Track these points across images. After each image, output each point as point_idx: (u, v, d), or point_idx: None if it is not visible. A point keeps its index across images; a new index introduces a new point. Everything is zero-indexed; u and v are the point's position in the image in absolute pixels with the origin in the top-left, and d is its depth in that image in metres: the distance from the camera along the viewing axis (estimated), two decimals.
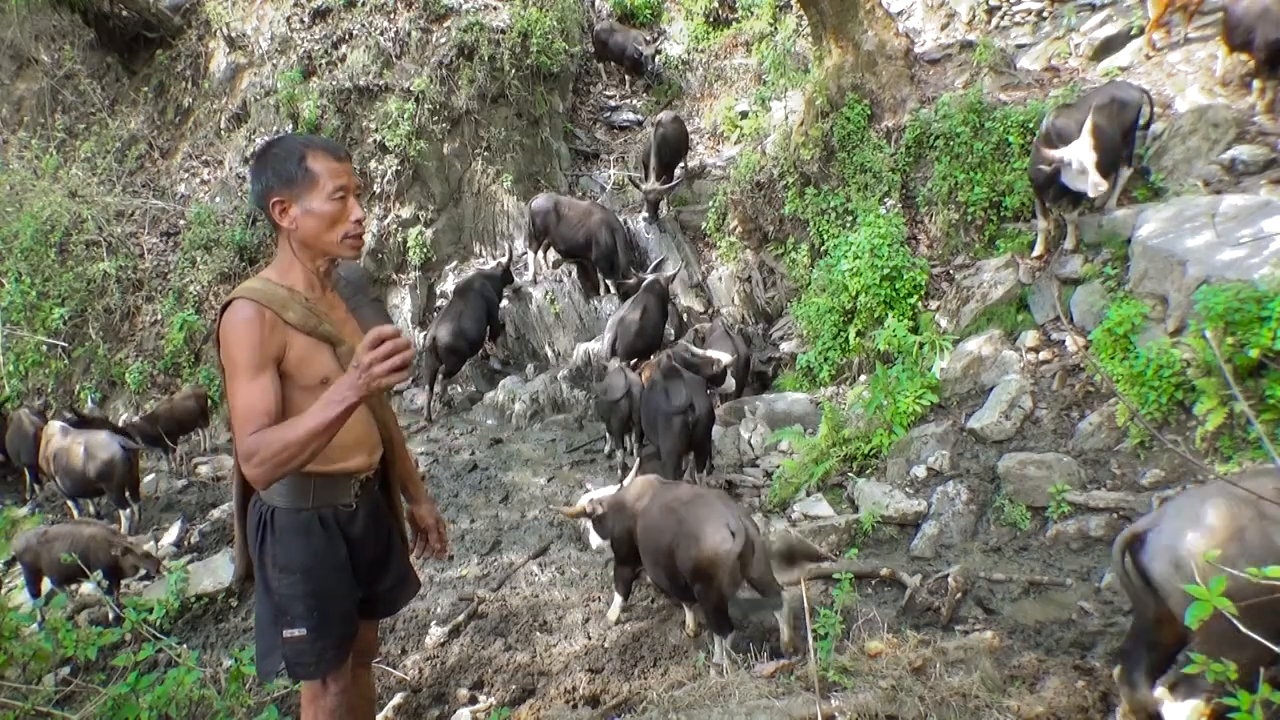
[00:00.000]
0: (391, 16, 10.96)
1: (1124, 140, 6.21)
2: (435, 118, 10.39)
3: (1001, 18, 9.83)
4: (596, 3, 13.84)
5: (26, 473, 8.74)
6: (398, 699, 4.20)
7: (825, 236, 8.11)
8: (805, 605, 3.20)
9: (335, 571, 2.44)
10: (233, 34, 11.80)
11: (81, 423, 8.04)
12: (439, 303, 10.30)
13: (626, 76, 13.07)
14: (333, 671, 2.48)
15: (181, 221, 10.98)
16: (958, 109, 7.33)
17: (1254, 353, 4.50)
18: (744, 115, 11.13)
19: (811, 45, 9.08)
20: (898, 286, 7.13)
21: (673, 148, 10.17)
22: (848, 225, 7.93)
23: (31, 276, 10.43)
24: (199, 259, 10.44)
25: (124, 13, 11.94)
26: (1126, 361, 5.27)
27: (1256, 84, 6.60)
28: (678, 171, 10.45)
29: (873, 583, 4.86)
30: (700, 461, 6.40)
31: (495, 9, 10.94)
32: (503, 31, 10.61)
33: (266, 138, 10.71)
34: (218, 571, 6.17)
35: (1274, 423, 4.51)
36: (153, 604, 5.43)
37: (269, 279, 2.28)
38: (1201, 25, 7.61)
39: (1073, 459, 5.25)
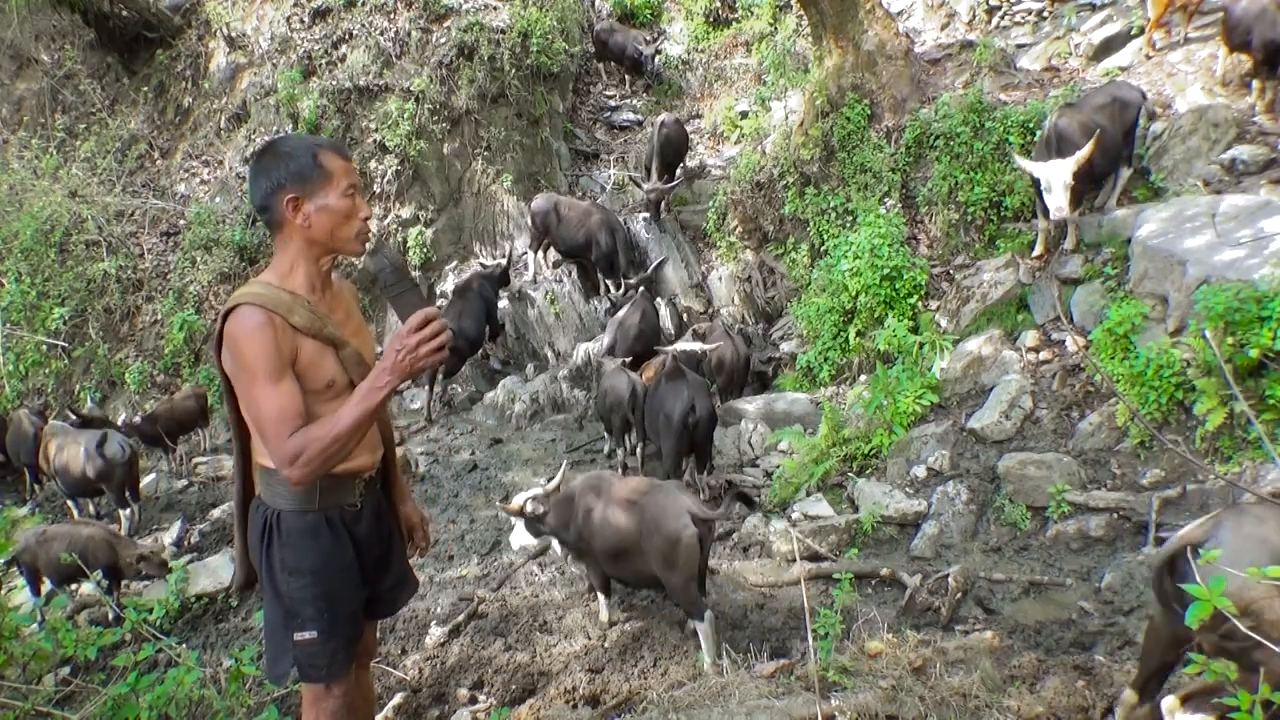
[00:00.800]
0: (391, 16, 10.96)
1: (1124, 140, 6.23)
2: (435, 118, 10.39)
3: (1001, 18, 9.84)
4: (596, 3, 13.84)
5: (26, 473, 8.74)
6: (398, 699, 4.19)
7: (825, 236, 8.12)
8: (805, 605, 3.20)
9: (343, 572, 2.43)
10: (233, 34, 11.80)
11: (85, 424, 8.04)
12: (439, 303, 10.30)
13: (626, 76, 13.06)
14: (342, 672, 2.48)
15: (181, 221, 10.98)
16: (958, 109, 7.33)
17: (1254, 353, 4.50)
18: (744, 115, 11.13)
19: (811, 45, 9.09)
20: (898, 286, 7.13)
21: (675, 148, 10.19)
22: (848, 225, 7.93)
23: (31, 276, 10.42)
24: (199, 259, 10.44)
25: (124, 13, 11.93)
26: (1126, 361, 5.27)
27: (1256, 84, 6.61)
28: (678, 172, 10.46)
29: (873, 583, 4.86)
30: (701, 462, 6.40)
31: (495, 9, 10.94)
32: (503, 31, 10.61)
33: (266, 138, 10.72)
34: (217, 572, 6.17)
35: (1274, 423, 4.52)
36: (153, 604, 5.43)
37: (269, 283, 2.25)
38: (1201, 25, 7.62)
39: (1073, 459, 5.26)
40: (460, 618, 4.99)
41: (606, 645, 4.43)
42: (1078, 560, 4.75)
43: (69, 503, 7.95)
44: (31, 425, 8.37)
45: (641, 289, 8.62)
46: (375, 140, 10.43)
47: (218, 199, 11.10)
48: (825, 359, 7.65)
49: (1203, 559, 2.15)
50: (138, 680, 3.24)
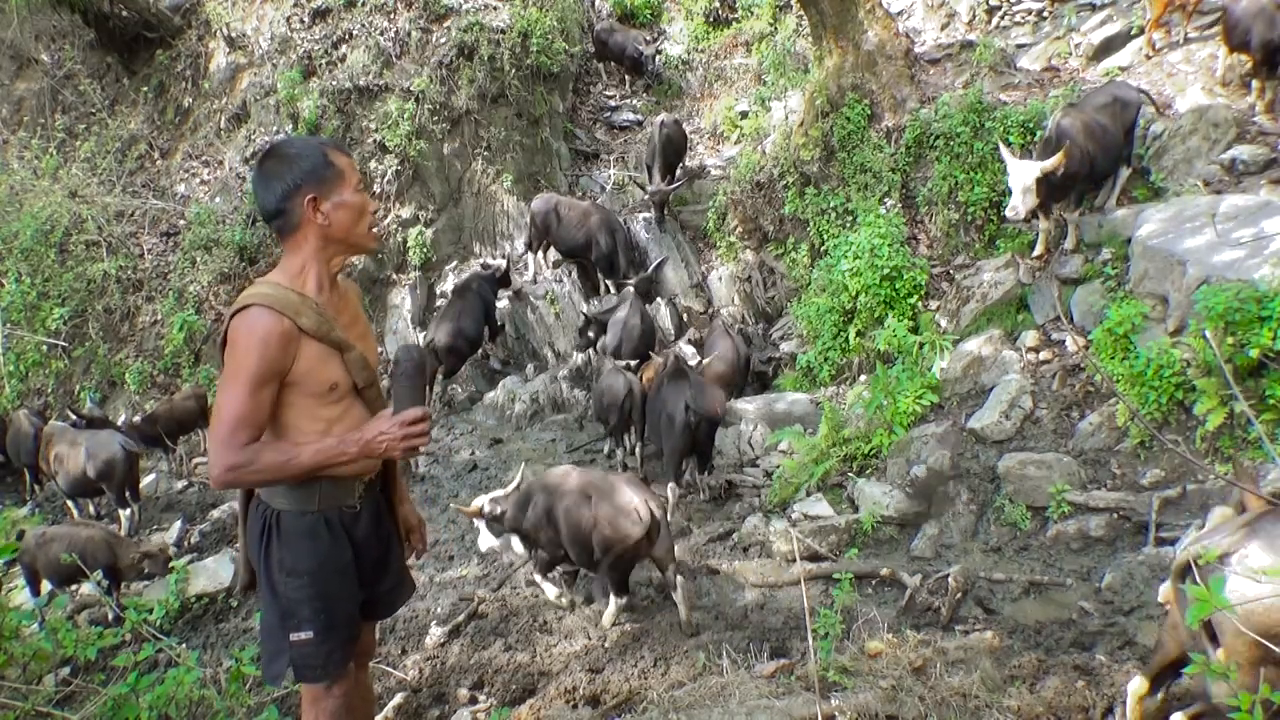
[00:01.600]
0: (391, 16, 10.95)
1: (1124, 140, 6.23)
2: (435, 118, 10.39)
3: (1001, 18, 9.83)
4: (596, 3, 13.83)
5: (26, 473, 8.74)
6: (398, 699, 4.19)
7: (825, 236, 8.11)
8: (805, 605, 3.21)
9: (341, 573, 2.44)
10: (233, 34, 11.79)
11: (88, 424, 8.03)
12: (439, 303, 10.30)
13: (626, 76, 13.05)
14: (338, 673, 2.48)
15: (181, 221, 10.97)
16: (958, 109, 7.33)
17: (1254, 353, 4.50)
18: (744, 115, 11.12)
19: (811, 45, 9.08)
20: (898, 286, 7.12)
21: (676, 148, 10.19)
22: (848, 225, 7.93)
23: (31, 276, 10.41)
24: (199, 259, 10.43)
25: (124, 13, 11.92)
26: (1126, 361, 5.27)
27: (1255, 84, 6.61)
28: (678, 172, 10.46)
29: (873, 583, 4.86)
30: (702, 463, 6.41)
31: (495, 9, 10.93)
32: (503, 31, 10.60)
33: (266, 138, 10.72)
34: (217, 572, 6.17)
35: (1274, 423, 4.52)
36: (153, 604, 5.41)
37: (279, 284, 2.25)
38: (1201, 25, 7.62)
39: (1073, 459, 5.26)
40: (460, 618, 4.99)
41: (607, 645, 4.43)
42: (1078, 560, 4.75)
43: (69, 503, 7.95)
44: (31, 425, 8.37)
45: (631, 290, 8.62)
46: (375, 140, 10.43)
47: (218, 199, 11.09)
48: (825, 359, 7.65)
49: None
50: (138, 680, 3.24)
